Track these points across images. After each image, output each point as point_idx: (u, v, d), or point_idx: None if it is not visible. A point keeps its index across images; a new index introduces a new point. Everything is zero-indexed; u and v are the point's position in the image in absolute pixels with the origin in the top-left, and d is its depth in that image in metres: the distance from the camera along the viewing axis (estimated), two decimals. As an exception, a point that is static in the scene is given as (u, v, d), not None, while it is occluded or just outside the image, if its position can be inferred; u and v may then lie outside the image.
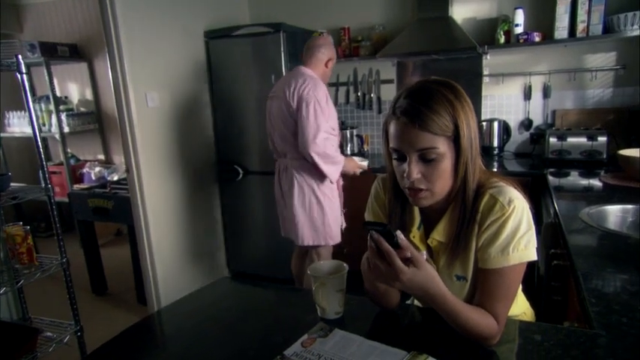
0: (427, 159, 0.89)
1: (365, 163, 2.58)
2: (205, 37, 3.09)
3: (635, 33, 2.39)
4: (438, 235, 0.99)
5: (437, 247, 1.01)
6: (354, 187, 2.72)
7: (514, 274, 0.91)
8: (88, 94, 4.47)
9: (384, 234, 0.81)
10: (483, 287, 0.92)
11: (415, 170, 0.89)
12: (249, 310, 1.16)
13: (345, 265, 1.03)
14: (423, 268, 0.82)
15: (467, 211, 0.94)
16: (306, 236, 2.37)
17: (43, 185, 1.78)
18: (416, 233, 1.03)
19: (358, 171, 2.51)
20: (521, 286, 1.25)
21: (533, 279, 1.95)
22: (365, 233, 0.84)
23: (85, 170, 4.16)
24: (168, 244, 2.89)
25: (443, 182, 0.91)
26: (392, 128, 0.91)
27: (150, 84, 2.70)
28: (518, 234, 0.89)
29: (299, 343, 0.92)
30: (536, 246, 0.91)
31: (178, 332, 1.10)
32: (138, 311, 2.90)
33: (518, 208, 0.90)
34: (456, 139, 0.89)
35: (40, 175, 1.79)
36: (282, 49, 2.87)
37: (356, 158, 2.58)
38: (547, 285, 1.63)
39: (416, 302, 1.41)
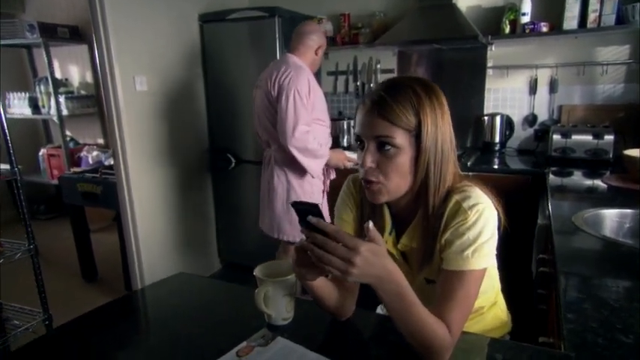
0: (384, 149, 0.86)
1: (355, 156, 2.46)
2: (200, 21, 3.00)
3: (650, 24, 2.23)
4: (409, 239, 0.97)
5: (409, 251, 0.99)
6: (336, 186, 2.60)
7: (474, 281, 0.84)
8: (89, 77, 4.43)
9: (317, 215, 0.71)
10: (442, 289, 0.85)
11: (370, 159, 0.87)
12: (192, 312, 1.08)
13: (295, 266, 0.94)
14: (382, 244, 0.73)
15: (430, 215, 0.89)
16: (286, 230, 2.29)
17: (10, 167, 1.73)
18: (388, 238, 0.99)
19: (348, 164, 2.40)
20: (500, 288, 1.16)
21: (529, 286, 1.84)
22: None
23: (82, 154, 4.13)
24: (155, 231, 2.84)
25: (398, 178, 0.87)
26: (357, 115, 0.91)
27: (139, 67, 2.62)
28: (480, 239, 0.84)
29: (234, 351, 0.84)
30: (495, 254, 0.87)
31: (105, 335, 0.99)
32: (124, 298, 2.86)
33: (482, 214, 0.85)
34: (418, 136, 0.86)
35: (8, 157, 1.73)
36: (277, 34, 2.77)
37: (348, 153, 2.45)
38: (535, 293, 1.52)
39: (384, 310, 1.31)
